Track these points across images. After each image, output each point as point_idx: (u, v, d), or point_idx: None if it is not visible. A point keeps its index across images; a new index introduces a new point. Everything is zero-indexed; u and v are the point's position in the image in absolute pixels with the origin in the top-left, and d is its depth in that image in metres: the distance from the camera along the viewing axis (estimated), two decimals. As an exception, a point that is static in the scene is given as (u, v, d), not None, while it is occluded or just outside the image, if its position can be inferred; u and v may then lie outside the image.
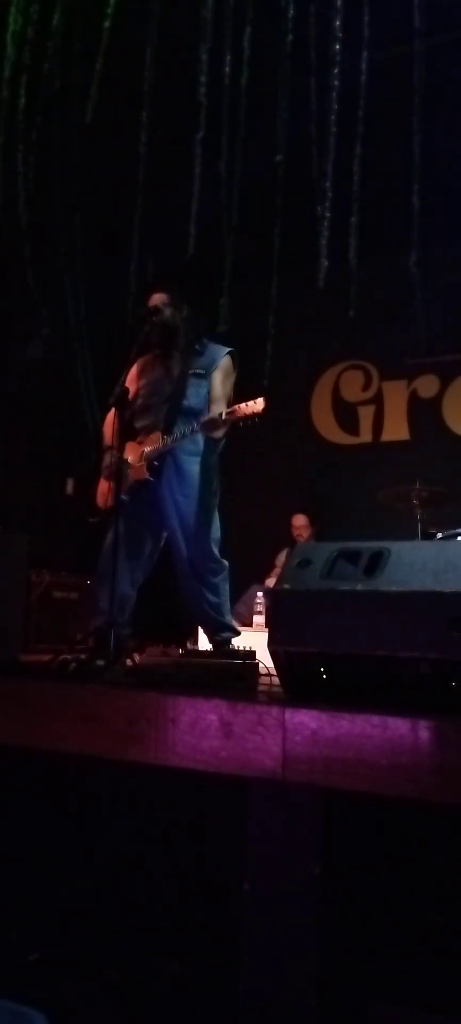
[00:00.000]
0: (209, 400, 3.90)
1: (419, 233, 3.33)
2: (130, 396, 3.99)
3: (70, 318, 4.25)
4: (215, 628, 3.83)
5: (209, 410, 3.86)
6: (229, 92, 3.47)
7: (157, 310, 3.87)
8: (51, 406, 6.27)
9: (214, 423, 3.65)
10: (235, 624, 4.04)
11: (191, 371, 3.91)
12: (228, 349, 3.97)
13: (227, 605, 3.89)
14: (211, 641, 3.92)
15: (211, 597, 3.80)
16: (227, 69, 3.45)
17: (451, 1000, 2.01)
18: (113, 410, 4.03)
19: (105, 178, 4.69)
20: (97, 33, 3.60)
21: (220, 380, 3.93)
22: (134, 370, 4.03)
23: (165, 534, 3.90)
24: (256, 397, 3.58)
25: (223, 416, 3.63)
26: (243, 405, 3.60)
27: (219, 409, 3.78)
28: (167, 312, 3.89)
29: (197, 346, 3.95)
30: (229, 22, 3.45)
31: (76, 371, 4.40)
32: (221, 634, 3.83)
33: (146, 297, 3.95)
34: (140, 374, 4.01)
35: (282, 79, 3.49)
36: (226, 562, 3.88)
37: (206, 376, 3.91)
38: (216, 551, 3.84)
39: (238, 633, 4.02)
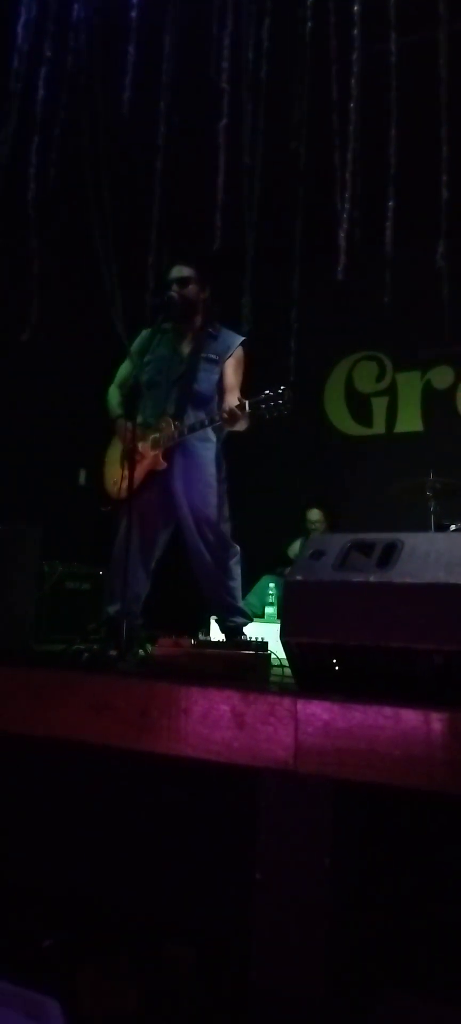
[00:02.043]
0: (221, 388, 3.87)
1: (445, 224, 3.30)
2: (128, 371, 3.98)
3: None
4: (229, 612, 3.83)
5: (222, 399, 3.83)
6: (248, 82, 3.46)
7: (184, 280, 3.84)
8: (63, 397, 6.28)
9: (234, 415, 3.59)
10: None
11: (203, 354, 3.88)
12: (242, 338, 3.95)
13: (240, 589, 3.89)
14: (223, 627, 3.92)
15: (227, 581, 3.81)
16: (250, 54, 3.43)
17: (463, 992, 2.01)
18: (114, 387, 4.02)
19: (123, 170, 4.69)
20: (114, 24, 3.59)
21: (233, 368, 3.91)
22: (136, 345, 3.99)
23: (175, 520, 3.89)
24: (278, 386, 3.54)
25: (247, 408, 3.57)
26: (265, 396, 3.54)
27: (233, 398, 3.74)
28: (191, 287, 3.86)
29: (211, 329, 3.92)
30: (250, 8, 3.43)
31: (90, 360, 4.39)
32: (235, 619, 3.83)
33: (169, 266, 3.92)
34: (142, 351, 3.95)
35: (302, 66, 3.47)
36: (237, 546, 3.87)
37: (219, 362, 3.88)
38: (227, 534, 3.84)
39: (250, 619, 4.02)
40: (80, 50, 3.70)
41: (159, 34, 3.56)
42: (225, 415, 3.62)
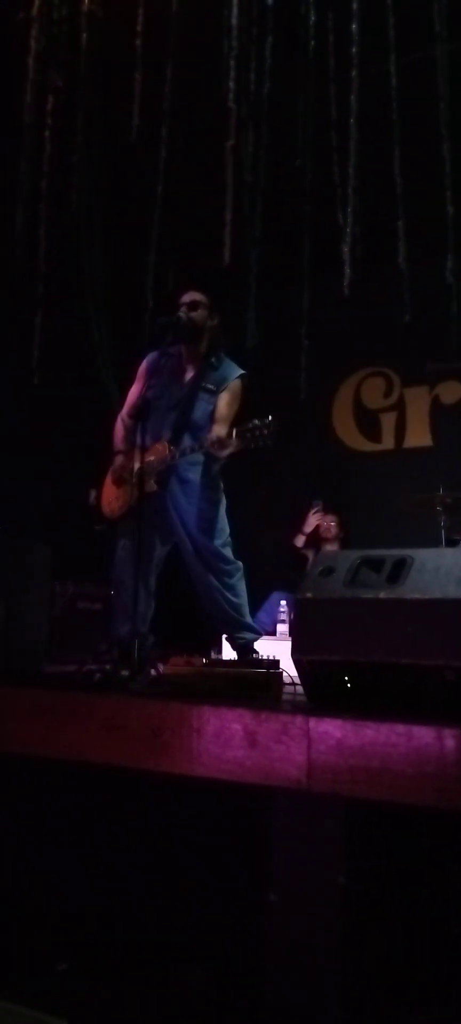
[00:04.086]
0: (212, 418, 3.89)
1: (454, 239, 3.31)
2: (137, 398, 4.01)
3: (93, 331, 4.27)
4: (236, 628, 3.84)
5: (211, 428, 3.85)
6: (253, 101, 3.49)
7: (195, 305, 3.87)
8: (74, 416, 6.31)
9: (222, 443, 3.62)
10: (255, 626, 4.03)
11: (203, 383, 3.90)
12: (241, 372, 3.96)
13: (246, 606, 3.89)
14: (232, 644, 3.92)
15: (231, 597, 3.81)
16: (252, 75, 3.46)
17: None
18: (125, 416, 4.05)
19: (123, 190, 4.73)
20: (120, 48, 3.63)
21: (227, 401, 3.91)
22: (144, 365, 4.03)
23: (172, 541, 3.91)
24: (265, 416, 3.55)
25: (233, 436, 3.59)
26: (252, 425, 3.56)
27: (221, 431, 3.76)
28: (199, 312, 3.89)
29: (213, 359, 3.94)
30: (252, 30, 3.46)
31: (98, 379, 4.43)
32: (243, 634, 3.84)
33: (181, 292, 3.95)
34: (150, 371, 3.97)
35: (306, 84, 3.50)
36: (240, 562, 3.87)
37: (215, 392, 3.90)
38: (228, 552, 3.84)
39: (259, 634, 4.02)
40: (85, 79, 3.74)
41: (160, 58, 3.60)
42: (213, 442, 3.63)
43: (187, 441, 3.83)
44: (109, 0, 3.86)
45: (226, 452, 3.66)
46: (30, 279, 4.12)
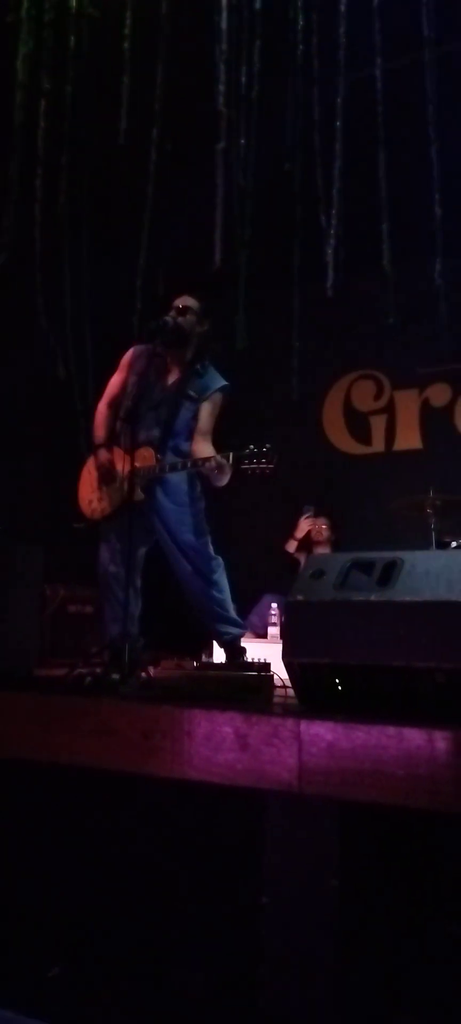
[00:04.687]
0: (194, 428, 3.87)
1: (442, 242, 3.33)
2: (118, 388, 3.98)
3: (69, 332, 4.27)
4: (220, 623, 3.83)
5: (192, 438, 3.84)
6: (243, 103, 3.49)
7: (185, 310, 3.85)
8: (65, 419, 6.29)
9: (222, 469, 3.56)
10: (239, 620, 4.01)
11: (187, 390, 3.89)
12: (224, 383, 3.93)
13: (229, 600, 3.88)
14: (218, 641, 3.92)
15: (214, 593, 3.81)
16: (243, 79, 3.46)
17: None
18: (105, 406, 4.02)
19: (111, 192, 4.73)
20: (108, 50, 3.64)
21: (208, 412, 3.89)
22: (127, 357, 4.00)
23: (153, 540, 3.90)
24: (262, 444, 3.52)
25: (230, 461, 3.54)
26: (255, 463, 3.52)
27: (206, 446, 3.77)
28: (188, 317, 3.87)
29: (198, 366, 3.92)
30: (241, 34, 3.47)
31: (86, 384, 4.42)
32: (228, 629, 3.83)
33: (175, 296, 3.92)
34: (131, 365, 3.95)
35: (293, 87, 3.51)
36: (220, 558, 3.87)
37: (197, 401, 3.88)
38: (208, 548, 3.84)
39: (244, 628, 4.02)
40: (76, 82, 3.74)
41: (150, 61, 3.60)
42: (213, 467, 3.57)
43: (170, 449, 3.81)
44: (98, 2, 3.86)
45: (223, 480, 3.60)
46: (19, 279, 4.11)
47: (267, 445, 3.52)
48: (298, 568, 5.74)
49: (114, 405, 3.98)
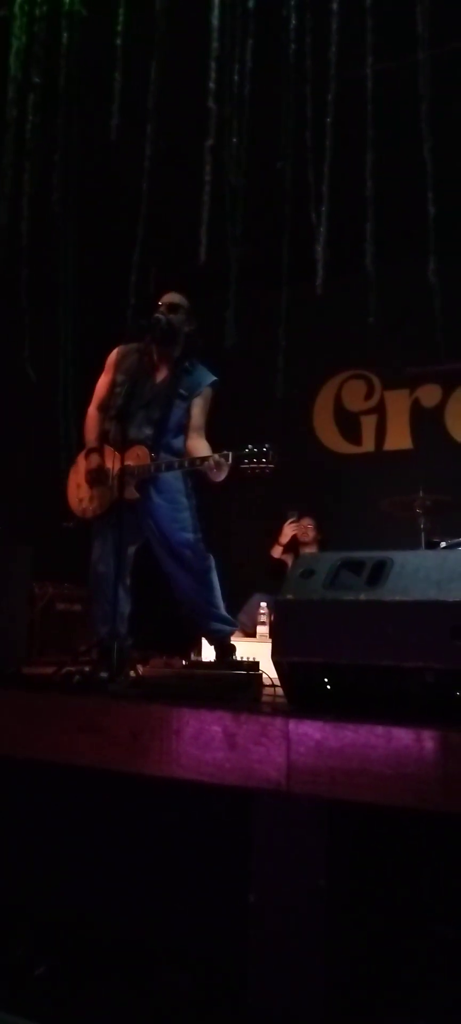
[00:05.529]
0: (186, 425, 3.88)
1: (434, 241, 3.32)
2: (106, 389, 3.98)
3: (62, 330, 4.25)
4: (210, 620, 3.83)
5: (186, 436, 3.86)
6: (235, 101, 3.48)
7: (174, 308, 3.85)
8: (54, 416, 6.27)
9: (220, 467, 3.55)
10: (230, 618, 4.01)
11: (177, 388, 3.89)
12: (214, 378, 3.95)
13: (220, 598, 3.88)
14: (208, 638, 3.92)
15: (204, 590, 3.81)
16: (236, 78, 3.45)
17: None
18: (94, 409, 4.01)
19: (104, 189, 4.72)
20: (101, 47, 3.62)
21: (201, 408, 3.91)
22: (113, 357, 4.00)
23: (143, 537, 3.90)
24: (262, 444, 3.52)
25: (229, 460, 3.53)
26: (255, 463, 3.53)
27: (200, 443, 3.79)
28: (178, 316, 3.87)
29: (187, 364, 3.92)
30: (234, 32, 3.46)
31: (77, 378, 4.40)
32: (218, 626, 3.83)
33: (162, 293, 3.92)
34: (117, 364, 3.95)
35: (287, 86, 3.50)
36: (211, 555, 3.87)
37: (188, 398, 3.90)
38: (199, 546, 3.84)
39: (235, 625, 4.02)
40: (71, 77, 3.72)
41: (142, 59, 3.59)
42: (211, 466, 3.56)
43: (162, 447, 3.81)
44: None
45: (222, 476, 3.60)
46: (7, 278, 4.09)
47: (266, 445, 3.52)
48: (285, 569, 5.75)
49: (103, 407, 3.98)
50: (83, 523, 3.95)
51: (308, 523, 6.09)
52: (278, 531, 6.11)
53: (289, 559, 5.98)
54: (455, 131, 3.96)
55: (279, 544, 6.09)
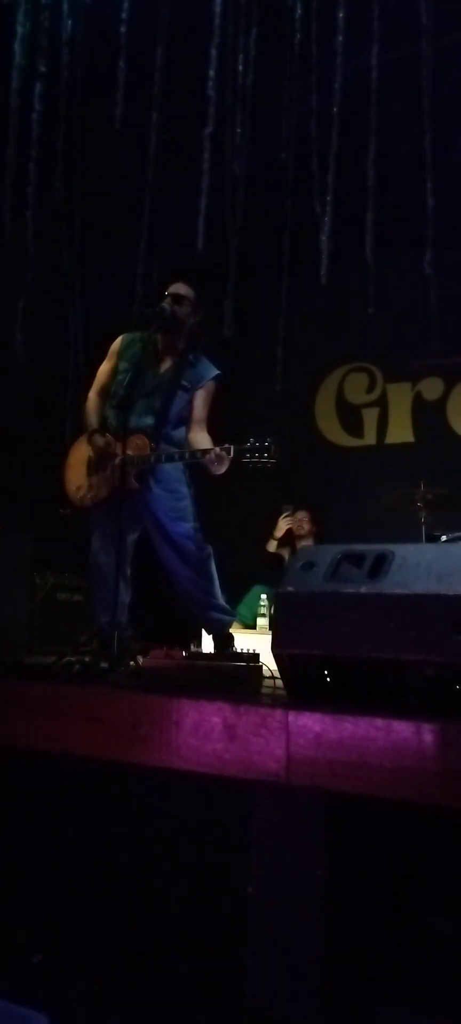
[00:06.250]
0: (188, 417, 3.90)
1: (432, 232, 3.32)
2: (108, 376, 3.97)
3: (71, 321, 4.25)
4: (209, 610, 3.84)
5: (188, 428, 3.88)
6: (237, 90, 3.47)
7: (180, 298, 3.84)
8: (54, 406, 6.27)
9: (221, 460, 3.56)
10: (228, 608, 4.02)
11: (181, 379, 3.89)
12: (216, 372, 3.96)
13: (217, 587, 3.89)
14: (206, 628, 3.92)
15: (202, 580, 3.82)
16: (240, 67, 3.44)
17: (458, 1006, 2.00)
18: (95, 394, 4.00)
19: (108, 178, 4.71)
20: (105, 37, 3.61)
21: (203, 400, 3.92)
22: (116, 345, 3.99)
23: (141, 526, 3.90)
24: (264, 437, 3.51)
25: (231, 453, 3.54)
26: (256, 458, 3.53)
27: (202, 435, 3.81)
28: (184, 308, 3.86)
29: (191, 356, 3.92)
30: (237, 20, 3.45)
31: (76, 368, 4.40)
32: (216, 615, 3.84)
33: (169, 283, 3.91)
34: (120, 353, 3.95)
35: (289, 77, 3.49)
36: (209, 545, 3.87)
37: (190, 390, 3.90)
38: (198, 535, 3.84)
39: (233, 615, 4.02)
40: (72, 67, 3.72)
41: (147, 48, 3.58)
42: (213, 458, 3.56)
43: (163, 438, 3.81)
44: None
45: (222, 469, 3.61)
46: (10, 267, 4.08)
47: (268, 439, 3.52)
48: (282, 563, 5.75)
49: (103, 393, 3.97)
50: (81, 511, 3.94)
51: (303, 516, 6.09)
52: (272, 525, 6.11)
53: (285, 553, 5.98)
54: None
55: (274, 538, 6.09)
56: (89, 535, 3.93)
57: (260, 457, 3.51)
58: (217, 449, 3.58)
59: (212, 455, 3.57)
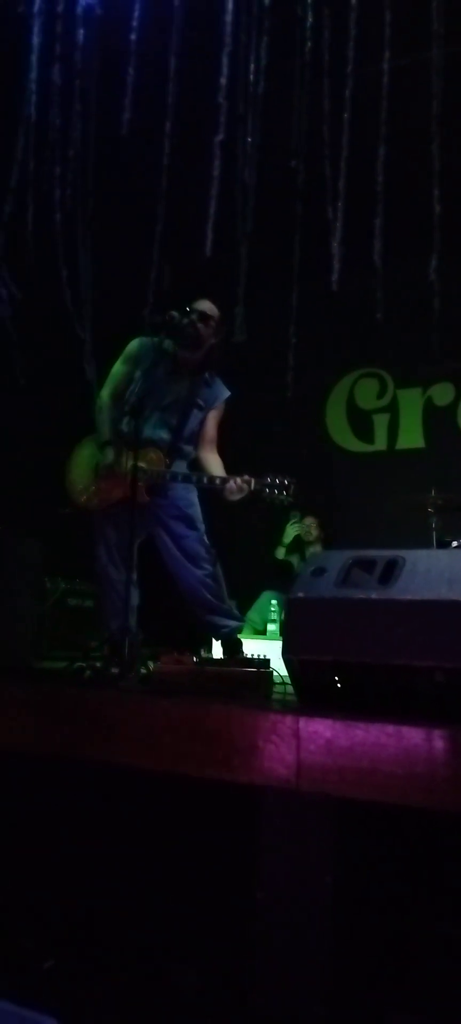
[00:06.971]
0: (200, 436, 3.96)
1: (440, 239, 3.32)
2: (123, 380, 3.96)
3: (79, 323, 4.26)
4: (216, 615, 3.84)
5: (200, 446, 3.95)
6: (248, 98, 3.48)
7: (205, 318, 3.87)
8: (65, 411, 6.28)
9: (240, 489, 3.62)
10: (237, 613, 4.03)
11: (196, 398, 3.92)
12: (228, 393, 4.03)
13: (225, 593, 3.90)
14: (215, 634, 3.92)
15: (210, 583, 3.83)
16: (251, 76, 3.45)
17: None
18: (109, 397, 3.99)
19: (119, 185, 4.72)
20: (117, 46, 3.63)
21: (215, 421, 4.00)
22: (134, 350, 3.98)
23: (147, 530, 3.91)
24: (283, 476, 3.59)
25: (252, 486, 3.60)
26: (272, 480, 3.61)
27: (213, 457, 3.90)
28: (209, 327, 3.89)
29: (207, 375, 3.96)
30: (249, 29, 3.46)
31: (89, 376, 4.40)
32: (224, 621, 3.84)
33: (179, 290, 3.92)
34: (138, 358, 3.94)
35: (300, 84, 3.50)
36: (214, 550, 3.89)
37: (204, 409, 3.96)
38: (205, 540, 3.86)
39: (241, 620, 4.02)
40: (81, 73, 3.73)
41: (158, 56, 3.59)
42: (232, 488, 3.62)
43: (177, 453, 3.86)
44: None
45: (236, 498, 3.67)
46: (19, 273, 4.10)
47: (288, 479, 3.60)
48: (291, 570, 5.75)
49: (117, 396, 3.95)
50: (84, 512, 3.95)
51: (310, 522, 6.08)
52: (281, 532, 6.11)
53: (294, 559, 5.98)
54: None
55: (282, 545, 6.08)
56: (93, 542, 3.94)
57: (278, 494, 3.55)
58: (238, 480, 3.62)
59: (233, 485, 3.61)
